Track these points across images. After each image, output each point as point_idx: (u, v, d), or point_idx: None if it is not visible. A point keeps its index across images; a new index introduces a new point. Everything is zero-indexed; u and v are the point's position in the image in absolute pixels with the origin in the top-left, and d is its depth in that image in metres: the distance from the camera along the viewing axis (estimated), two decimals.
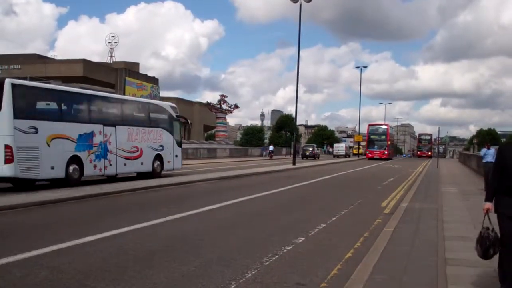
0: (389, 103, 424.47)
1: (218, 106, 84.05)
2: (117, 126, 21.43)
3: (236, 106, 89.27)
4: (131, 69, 69.57)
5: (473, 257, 6.56)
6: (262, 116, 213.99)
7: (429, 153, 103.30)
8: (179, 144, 26.69)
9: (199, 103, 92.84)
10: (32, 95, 17.90)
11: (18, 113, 16.52)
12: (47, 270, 7.24)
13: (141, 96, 69.13)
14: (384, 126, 77.71)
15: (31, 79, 19.37)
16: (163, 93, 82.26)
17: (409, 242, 9.38)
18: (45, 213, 13.11)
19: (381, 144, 72.63)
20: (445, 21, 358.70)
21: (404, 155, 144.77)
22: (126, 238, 9.78)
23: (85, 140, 19.43)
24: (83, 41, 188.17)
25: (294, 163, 41.85)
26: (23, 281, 6.75)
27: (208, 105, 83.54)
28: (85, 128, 19.54)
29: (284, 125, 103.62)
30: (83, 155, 19.24)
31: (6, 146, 16.06)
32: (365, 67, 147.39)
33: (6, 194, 15.56)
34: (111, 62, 74.42)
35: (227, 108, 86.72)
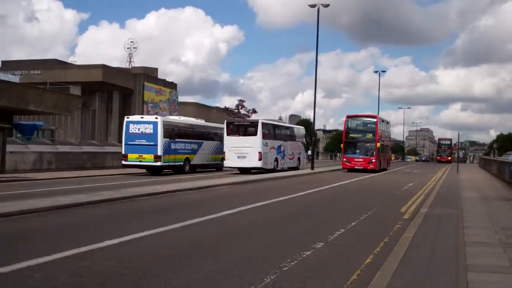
0: (408, 107, 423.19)
1: (236, 111, 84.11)
2: (287, 142, 39.93)
3: (254, 111, 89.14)
4: (149, 74, 69.98)
5: (495, 263, 6.48)
6: (280, 120, 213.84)
7: (449, 158, 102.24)
8: (305, 151, 46.73)
9: (217, 108, 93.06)
10: (268, 127, 36.60)
11: (263, 137, 34.64)
12: (68, 273, 7.29)
13: (160, 101, 69.68)
14: (371, 119, 44.83)
15: (51, 84, 19.99)
16: (182, 98, 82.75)
17: (429, 248, 9.30)
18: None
19: (366, 147, 42.57)
20: (465, 25, 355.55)
21: (424, 158, 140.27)
22: (144, 241, 9.81)
23: (279, 149, 37.67)
24: (103, 46, 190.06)
25: (312, 168, 41.77)
26: (44, 284, 6.81)
27: (226, 110, 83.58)
28: (279, 143, 37.77)
29: None
30: (279, 156, 37.61)
31: (259, 153, 33.92)
32: (384, 71, 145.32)
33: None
34: (130, 67, 74.87)
35: (245, 113, 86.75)
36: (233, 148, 34.40)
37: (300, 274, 7.63)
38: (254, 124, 35.50)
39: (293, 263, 8.23)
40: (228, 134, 35.09)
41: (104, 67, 61.32)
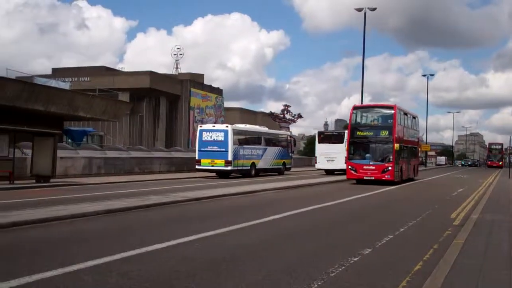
0: (457, 111, 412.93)
1: (282, 115, 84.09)
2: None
3: (300, 116, 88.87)
4: (196, 80, 70.69)
5: None
6: (326, 125, 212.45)
7: (500, 163, 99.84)
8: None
9: (263, 113, 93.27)
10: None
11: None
12: (117, 276, 7.41)
13: (206, 107, 70.24)
14: (387, 111, 32.64)
15: (100, 90, 20.57)
16: (227, 104, 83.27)
17: (480, 255, 9.08)
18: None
19: (379, 149, 31.29)
20: None
21: (465, 163, 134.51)
22: (192, 245, 9.89)
23: None
24: (151, 53, 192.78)
25: None
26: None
27: (271, 115, 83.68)
28: None
29: None
30: None
31: (346, 158, 32.29)
32: (432, 75, 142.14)
33: None
34: (177, 73, 75.78)
35: (291, 117, 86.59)
36: (323, 154, 41.89)
37: (348, 280, 7.56)
38: (341, 134, 42.05)
39: (340, 269, 8.16)
40: (319, 142, 43.23)
41: (151, 73, 62.26)
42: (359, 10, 42.97)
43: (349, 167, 31.23)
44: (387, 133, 30.59)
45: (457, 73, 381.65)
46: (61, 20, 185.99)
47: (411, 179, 35.66)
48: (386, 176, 29.92)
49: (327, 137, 43.83)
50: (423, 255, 9.46)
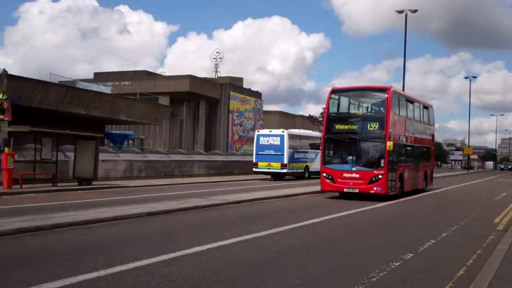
0: (501, 114, 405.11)
1: (321, 119, 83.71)
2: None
3: None
4: (235, 84, 70.94)
5: None
6: None
7: None
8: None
9: (302, 116, 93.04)
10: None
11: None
12: (158, 278, 7.48)
13: (245, 110, 70.46)
14: (377, 94, 23.57)
15: (141, 94, 20.96)
16: (266, 107, 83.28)
17: None
18: None
19: (369, 149, 22.28)
20: None
21: (505, 166, 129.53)
22: (231, 249, 9.92)
23: None
24: (191, 57, 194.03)
25: None
26: None
27: (310, 118, 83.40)
28: None
29: None
30: None
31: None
32: (475, 77, 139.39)
33: None
34: (216, 77, 76.21)
35: None
36: None
37: (390, 285, 7.48)
38: None
39: (381, 274, 8.07)
40: None
41: (191, 77, 62.66)
42: (400, 12, 42.54)
43: (324, 174, 22.33)
44: (377, 126, 21.54)
45: (501, 75, 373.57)
46: (103, 25, 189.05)
47: (421, 190, 27.01)
48: (375, 188, 20.99)
49: None
50: (467, 260, 9.29)
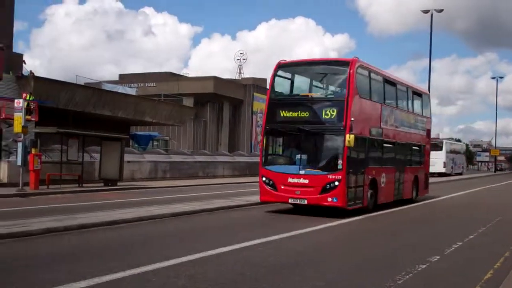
0: None
1: None
2: (457, 154, 64.88)
3: None
4: (259, 85, 70.93)
5: None
6: None
7: None
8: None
9: None
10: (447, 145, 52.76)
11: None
12: (184, 279, 7.50)
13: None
14: (336, 68, 17.33)
15: (165, 96, 20.96)
16: None
17: None
18: None
19: (322, 145, 16.13)
20: None
21: None
22: (254, 250, 9.92)
23: (453, 160, 57.53)
24: (215, 58, 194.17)
25: None
26: None
27: None
28: (453, 155, 58.37)
29: None
30: (452, 164, 57.41)
31: (443, 163, 51.59)
32: (501, 77, 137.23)
33: None
34: (240, 78, 76.30)
35: None
36: None
37: None
38: (440, 143, 53.83)
39: (407, 277, 8.00)
40: None
41: (215, 78, 62.81)
42: (426, 12, 42.27)
43: (264, 179, 16.30)
44: (334, 113, 15.60)
45: None
46: (128, 27, 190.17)
47: (408, 201, 20.63)
48: (329, 199, 15.06)
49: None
50: (494, 263, 9.17)
